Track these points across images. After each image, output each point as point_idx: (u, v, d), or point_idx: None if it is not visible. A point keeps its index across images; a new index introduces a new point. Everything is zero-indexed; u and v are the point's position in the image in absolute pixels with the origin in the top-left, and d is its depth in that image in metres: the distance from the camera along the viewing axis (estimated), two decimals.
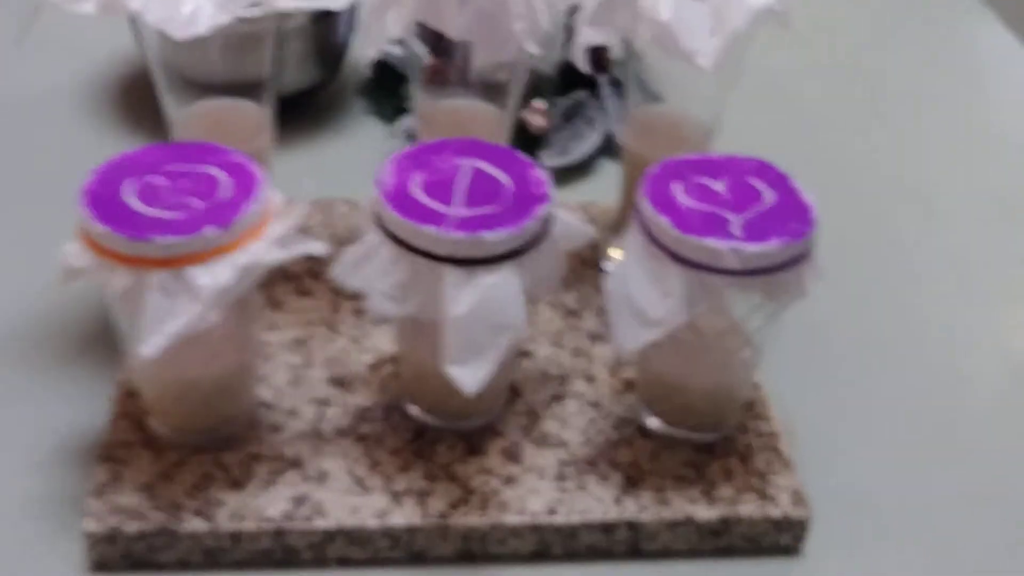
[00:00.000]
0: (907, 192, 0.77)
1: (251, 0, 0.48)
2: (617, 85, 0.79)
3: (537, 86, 0.76)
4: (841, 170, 0.79)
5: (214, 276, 0.42)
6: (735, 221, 0.46)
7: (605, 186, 0.74)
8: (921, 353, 0.62)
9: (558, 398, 0.55)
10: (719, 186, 0.48)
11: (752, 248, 0.44)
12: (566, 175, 0.74)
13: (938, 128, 0.86)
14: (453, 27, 0.50)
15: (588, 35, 0.54)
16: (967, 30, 1.03)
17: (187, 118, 0.56)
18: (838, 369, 0.61)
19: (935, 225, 0.74)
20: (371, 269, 0.46)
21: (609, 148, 0.77)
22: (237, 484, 0.48)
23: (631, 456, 0.51)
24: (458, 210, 0.45)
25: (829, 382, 0.60)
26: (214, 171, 0.45)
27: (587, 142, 0.74)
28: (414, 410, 0.52)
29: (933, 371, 0.61)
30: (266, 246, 0.44)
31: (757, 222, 0.46)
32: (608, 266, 0.64)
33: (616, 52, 0.73)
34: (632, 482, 0.50)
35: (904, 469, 0.55)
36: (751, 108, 0.81)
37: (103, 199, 0.44)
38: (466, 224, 0.44)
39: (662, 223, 0.45)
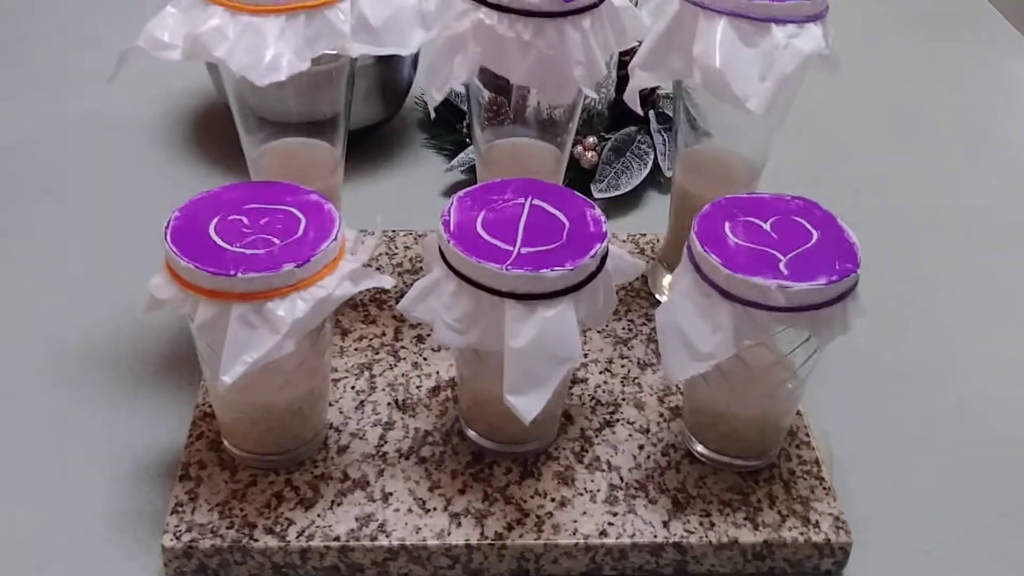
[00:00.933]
0: (946, 221, 0.79)
1: (327, 45, 0.51)
2: (666, 120, 0.81)
3: (588, 121, 0.79)
4: (880, 200, 0.81)
5: (291, 309, 0.45)
6: (782, 259, 0.48)
7: (653, 217, 0.76)
8: (961, 381, 0.64)
9: (609, 424, 0.57)
10: (767, 225, 0.50)
11: (798, 286, 0.46)
12: (616, 206, 0.77)
13: (976, 158, 0.88)
14: (516, 73, 0.53)
15: (641, 78, 0.57)
16: (1003, 59, 1.05)
17: (262, 156, 0.59)
18: (879, 397, 0.63)
19: (975, 254, 0.76)
20: (436, 302, 0.48)
21: (657, 181, 0.79)
22: (306, 503, 0.51)
23: (679, 481, 0.54)
24: (519, 248, 0.47)
25: (870, 409, 0.62)
26: (292, 210, 0.49)
27: (636, 175, 0.77)
28: (472, 434, 0.55)
29: (973, 398, 0.63)
30: (338, 281, 0.47)
31: (803, 260, 0.48)
32: (660, 297, 0.66)
33: (666, 89, 0.76)
34: (679, 506, 0.52)
35: (944, 495, 0.57)
36: (793, 141, 0.84)
37: (188, 235, 0.47)
38: (527, 261, 0.47)
39: (712, 261, 0.48)
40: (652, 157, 0.79)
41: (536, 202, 0.51)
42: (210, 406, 0.55)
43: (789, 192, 0.53)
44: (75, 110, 0.84)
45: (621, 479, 0.54)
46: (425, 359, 0.60)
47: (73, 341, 0.62)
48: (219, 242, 0.47)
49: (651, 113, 0.81)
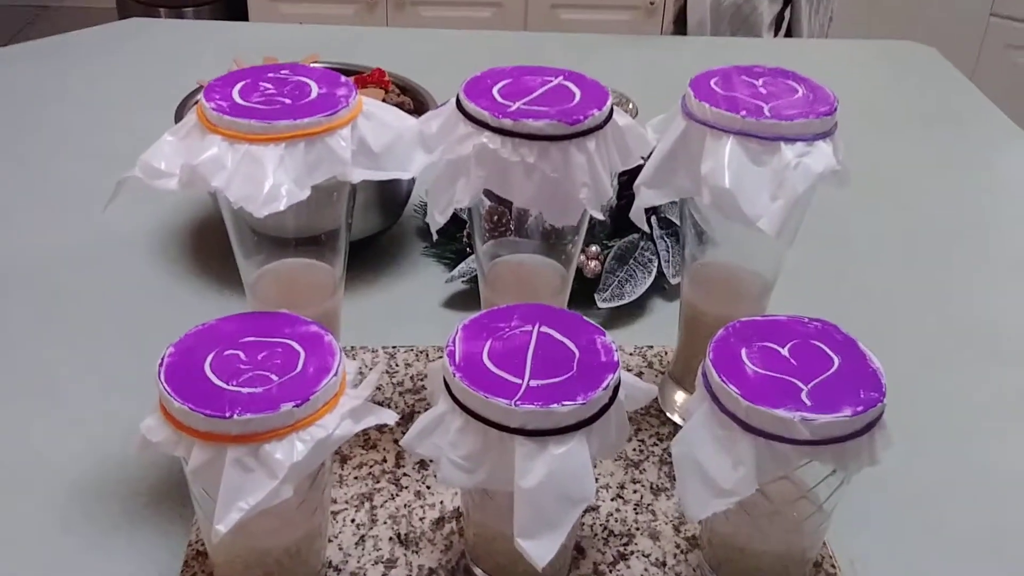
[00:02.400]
0: (966, 331, 0.77)
1: (328, 172, 0.50)
2: (668, 225, 0.80)
3: (590, 230, 0.77)
4: (895, 309, 0.79)
5: (289, 452, 0.43)
6: (804, 388, 0.46)
7: (659, 326, 0.74)
8: (994, 507, 0.61)
9: (624, 557, 0.54)
10: (785, 351, 0.48)
11: (823, 418, 0.44)
12: (621, 315, 0.75)
13: (990, 260, 0.86)
14: (521, 196, 0.51)
15: (648, 196, 0.56)
16: (1007, 157, 1.04)
17: (262, 280, 0.57)
18: (907, 523, 0.60)
19: (1002, 370, 0.73)
20: (441, 438, 0.46)
21: (661, 288, 0.78)
22: None
23: None
24: (528, 380, 0.45)
25: (898, 537, 0.59)
26: (291, 343, 0.47)
27: (640, 284, 0.75)
28: (479, 572, 0.52)
29: (1004, 520, 0.60)
30: (338, 420, 0.45)
31: (826, 390, 0.46)
32: (671, 415, 0.64)
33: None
34: None
35: None
36: (802, 250, 0.82)
37: (183, 373, 0.45)
38: (537, 396, 0.45)
39: (731, 391, 0.46)
40: (656, 264, 0.77)
41: (544, 330, 0.49)
42: (203, 544, 0.52)
43: (802, 306, 0.52)
44: (74, 227, 0.82)
45: None
46: (428, 487, 0.58)
47: (63, 472, 0.59)
48: (215, 380, 0.44)
49: (653, 219, 0.80)
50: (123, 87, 1.07)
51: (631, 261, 0.77)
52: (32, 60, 1.12)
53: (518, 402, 0.44)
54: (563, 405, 0.44)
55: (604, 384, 0.46)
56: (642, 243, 0.79)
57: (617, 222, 0.79)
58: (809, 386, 0.46)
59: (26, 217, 0.84)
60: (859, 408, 0.45)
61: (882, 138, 1.06)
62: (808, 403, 0.45)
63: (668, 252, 0.78)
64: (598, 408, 0.46)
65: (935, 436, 0.66)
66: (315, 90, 0.51)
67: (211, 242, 0.80)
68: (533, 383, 0.45)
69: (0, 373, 0.67)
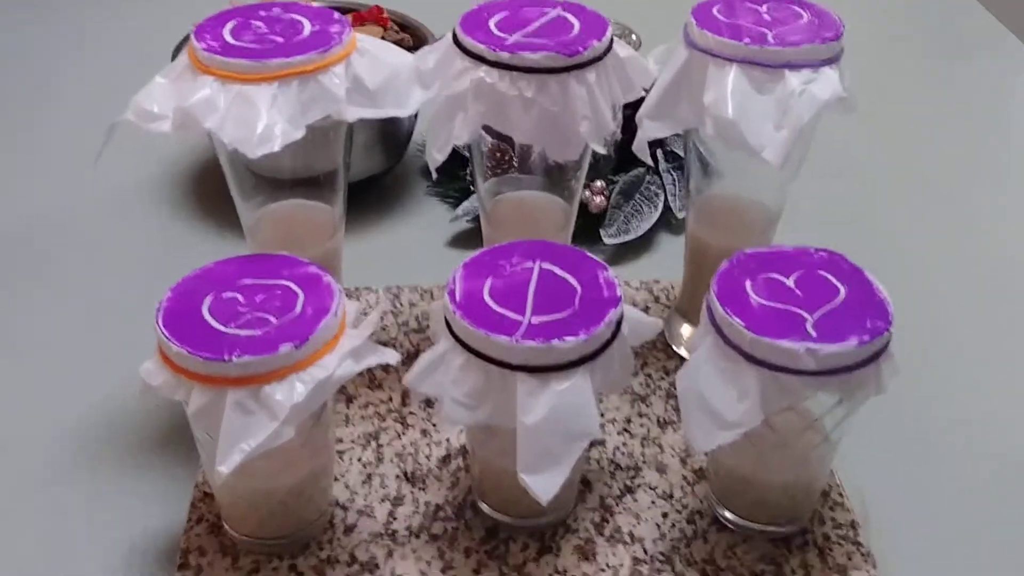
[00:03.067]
0: (979, 263, 0.76)
1: (322, 111, 0.49)
2: (675, 159, 0.79)
3: (595, 165, 0.76)
4: (905, 241, 0.78)
5: (289, 393, 0.43)
6: (809, 319, 0.45)
7: (666, 260, 0.74)
8: (1001, 441, 0.61)
9: (630, 490, 0.54)
10: (790, 281, 0.48)
11: (828, 348, 0.44)
12: (627, 251, 0.74)
13: (1007, 192, 0.85)
14: (520, 131, 0.51)
15: (650, 129, 0.55)
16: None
17: (260, 222, 0.57)
18: (916, 452, 0.60)
19: (1014, 304, 0.72)
20: (443, 376, 0.46)
21: (668, 222, 0.77)
22: None
23: (706, 552, 0.51)
24: (530, 317, 0.45)
25: (907, 466, 0.59)
26: (289, 284, 0.46)
27: (647, 219, 0.74)
28: (486, 508, 0.52)
29: (1014, 459, 0.60)
30: (339, 360, 0.44)
31: (832, 320, 0.45)
32: (678, 349, 0.63)
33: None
34: None
35: (985, 557, 0.54)
36: (810, 182, 0.81)
37: (181, 317, 0.45)
38: (538, 332, 0.44)
39: (735, 324, 0.45)
40: (662, 199, 0.76)
41: (545, 266, 0.48)
42: (209, 486, 0.52)
43: (808, 238, 0.51)
44: (71, 183, 0.82)
45: (645, 551, 0.51)
46: (434, 426, 0.58)
47: (69, 421, 0.60)
48: (213, 323, 0.44)
49: (659, 152, 0.79)
50: (116, 34, 1.06)
51: (637, 196, 0.76)
52: (19, 9, 1.10)
53: (519, 339, 0.44)
54: (564, 341, 0.44)
55: (606, 319, 0.45)
56: (648, 177, 0.78)
57: (622, 156, 0.78)
58: (815, 316, 0.45)
59: (25, 171, 0.84)
60: (865, 338, 0.44)
61: (893, 67, 1.03)
62: (813, 333, 0.44)
63: (675, 186, 0.77)
64: (600, 343, 0.45)
65: (945, 367, 0.66)
66: (308, 28, 0.50)
67: (211, 188, 0.79)
68: (534, 320, 0.45)
69: (4, 327, 0.67)
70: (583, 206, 0.74)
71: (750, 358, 0.45)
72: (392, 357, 0.47)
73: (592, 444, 0.56)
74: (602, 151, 0.52)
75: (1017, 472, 0.58)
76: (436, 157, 0.52)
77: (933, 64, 1.05)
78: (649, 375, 0.62)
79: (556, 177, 0.60)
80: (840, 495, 0.54)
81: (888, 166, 0.88)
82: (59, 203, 0.79)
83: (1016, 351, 0.68)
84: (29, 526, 0.54)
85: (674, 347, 0.64)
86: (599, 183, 0.75)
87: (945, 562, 0.53)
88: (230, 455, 0.43)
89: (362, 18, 0.77)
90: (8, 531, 0.53)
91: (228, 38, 0.48)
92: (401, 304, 0.67)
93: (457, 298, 0.46)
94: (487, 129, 0.57)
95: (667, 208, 0.76)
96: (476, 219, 0.75)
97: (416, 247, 0.75)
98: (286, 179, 0.58)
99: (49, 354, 0.65)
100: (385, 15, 0.79)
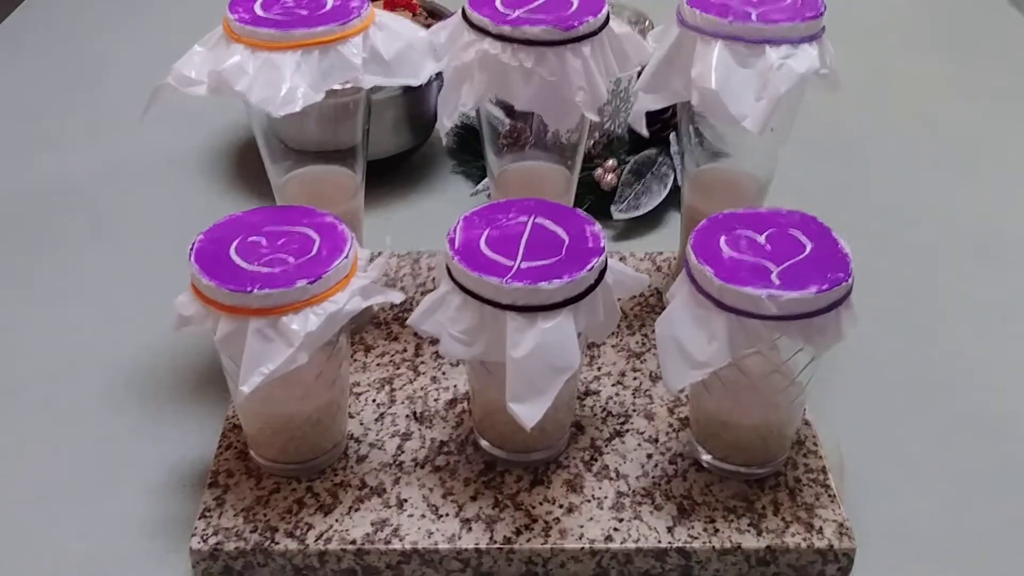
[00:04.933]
0: (960, 233, 0.79)
1: (340, 77, 0.55)
2: (679, 138, 0.83)
3: (609, 145, 0.81)
4: (899, 214, 0.81)
5: (304, 323, 0.48)
6: (774, 270, 0.50)
7: (672, 236, 0.78)
8: (973, 390, 0.65)
9: (619, 434, 0.59)
10: (762, 238, 0.52)
11: (788, 295, 0.48)
12: (637, 226, 0.79)
13: (993, 171, 0.88)
14: (520, 99, 0.56)
15: (644, 101, 0.59)
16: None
17: (287, 183, 0.62)
18: (890, 406, 0.63)
19: (990, 265, 0.76)
20: (442, 315, 0.51)
21: (678, 201, 0.81)
22: (325, 509, 0.54)
23: (685, 489, 0.55)
24: (520, 263, 0.50)
25: (881, 418, 0.63)
26: (308, 231, 0.52)
27: (656, 196, 0.79)
28: (485, 444, 0.57)
29: (980, 407, 0.63)
30: (348, 296, 0.50)
31: (795, 271, 0.50)
32: None
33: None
34: (685, 512, 0.54)
35: (949, 503, 0.57)
36: (813, 159, 0.85)
37: (211, 256, 0.50)
38: (526, 275, 0.49)
39: (706, 272, 0.49)
40: (672, 178, 0.81)
41: (538, 220, 0.53)
42: (238, 418, 0.58)
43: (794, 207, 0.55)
44: (123, 149, 0.89)
45: (628, 487, 0.55)
46: (443, 373, 0.63)
47: (116, 363, 0.66)
48: (238, 262, 0.50)
49: (672, 136, 0.83)
50: (165, 16, 1.13)
51: (648, 175, 0.81)
52: None
53: (509, 280, 0.49)
54: (550, 283, 0.49)
55: (589, 266, 0.50)
56: (660, 158, 0.82)
57: (635, 137, 0.82)
58: (780, 268, 0.50)
59: (80, 137, 0.91)
60: (824, 287, 0.49)
61: (906, 54, 1.07)
62: (777, 282, 0.49)
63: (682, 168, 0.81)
64: (584, 288, 0.50)
65: (923, 327, 0.70)
66: (330, 2, 0.56)
67: (249, 161, 0.86)
68: (524, 265, 0.50)
69: (56, 278, 0.74)
70: (595, 183, 0.79)
71: (719, 304, 0.49)
72: (396, 297, 0.52)
73: (587, 393, 0.61)
74: (595, 119, 0.57)
75: (987, 424, 0.62)
76: (445, 123, 0.57)
77: (949, 53, 1.08)
78: (646, 335, 0.66)
79: (560, 152, 0.65)
80: (815, 444, 0.58)
81: (890, 147, 0.91)
82: (113, 164, 0.87)
83: (994, 310, 0.72)
84: (81, 450, 0.60)
85: None
86: (611, 161, 0.79)
87: (913, 505, 0.57)
88: (251, 377, 0.48)
89: (393, 4, 0.83)
90: (62, 454, 0.60)
91: (258, 10, 0.54)
92: (420, 267, 0.72)
93: (456, 245, 0.51)
94: (500, 106, 0.63)
95: (676, 187, 0.81)
96: (490, 190, 0.80)
97: (438, 219, 0.79)
98: (312, 151, 0.63)
99: (100, 298, 0.72)
100: (414, 1, 0.84)
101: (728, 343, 0.49)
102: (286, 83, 0.52)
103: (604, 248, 0.51)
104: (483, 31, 0.55)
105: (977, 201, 0.84)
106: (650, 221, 0.80)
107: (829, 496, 0.55)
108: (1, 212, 0.81)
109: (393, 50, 0.56)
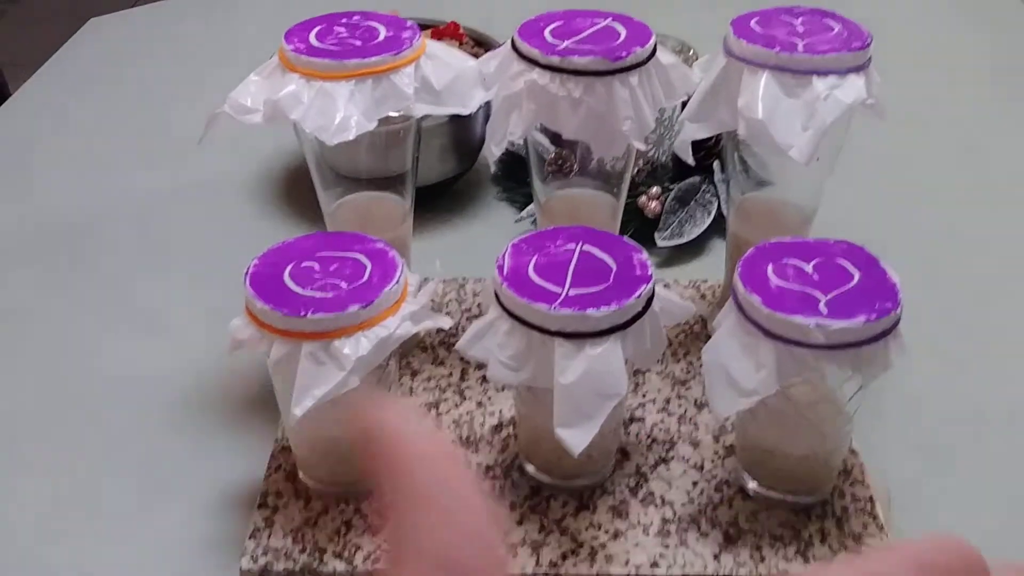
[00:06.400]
0: (1010, 264, 0.79)
1: (392, 107, 0.56)
2: (725, 167, 0.83)
3: (653, 172, 0.82)
4: (948, 246, 0.81)
5: (355, 347, 0.49)
6: (822, 299, 0.50)
7: (716, 264, 0.78)
8: (1017, 421, 0.64)
9: (664, 461, 0.59)
10: (809, 267, 0.52)
11: (837, 324, 0.48)
12: (681, 254, 0.79)
13: None
14: (568, 128, 0.56)
15: (691, 130, 0.60)
16: None
17: (338, 209, 0.64)
18: (938, 438, 0.63)
19: None
20: (490, 341, 0.52)
21: (722, 229, 0.82)
22: (373, 531, 0.55)
23: (731, 516, 0.55)
24: (568, 289, 0.51)
25: (929, 450, 0.62)
26: (359, 257, 0.53)
27: (700, 224, 0.79)
28: (531, 469, 0.58)
29: None
30: (399, 321, 0.50)
31: (843, 300, 0.50)
32: None
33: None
34: (731, 540, 0.54)
35: (996, 536, 0.57)
36: (860, 189, 0.85)
37: (265, 280, 0.51)
38: (574, 302, 0.50)
39: (754, 301, 0.50)
40: (716, 206, 0.81)
41: (586, 248, 0.54)
42: (287, 441, 0.59)
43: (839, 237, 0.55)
44: (178, 174, 0.91)
45: (674, 513, 0.56)
46: (489, 398, 0.63)
47: (170, 385, 0.67)
48: (292, 286, 0.51)
49: (716, 164, 0.84)
50: (221, 44, 1.16)
51: (692, 202, 0.81)
52: (142, 23, 1.22)
53: (557, 307, 0.49)
54: (599, 310, 0.49)
55: (638, 293, 0.51)
56: (704, 186, 0.82)
57: (679, 165, 0.83)
58: (828, 297, 0.50)
59: (136, 162, 0.93)
60: (873, 316, 0.49)
61: (954, 82, 1.06)
62: (825, 311, 0.49)
63: (726, 191, 0.82)
64: (631, 315, 0.50)
65: (972, 359, 0.69)
66: (383, 33, 0.57)
67: (300, 187, 0.87)
68: (572, 292, 0.50)
69: (111, 302, 0.76)
70: (639, 211, 0.79)
71: (767, 332, 0.49)
72: (445, 322, 0.53)
73: (632, 420, 0.62)
74: (642, 147, 0.58)
75: None
76: (494, 151, 0.58)
77: (995, 84, 1.07)
78: (691, 362, 0.66)
79: (606, 179, 0.66)
80: (862, 473, 0.58)
81: (938, 178, 0.91)
82: (167, 188, 0.89)
83: None
84: (134, 470, 0.61)
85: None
86: (655, 189, 0.80)
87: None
88: (303, 400, 0.49)
89: (440, 34, 0.85)
90: (115, 474, 0.61)
91: (313, 41, 0.56)
92: (465, 293, 0.73)
93: (505, 272, 0.52)
94: (546, 134, 0.64)
95: (720, 215, 0.81)
96: (536, 217, 0.81)
97: (482, 245, 0.81)
98: (363, 178, 0.65)
99: (155, 320, 0.73)
100: (461, 31, 0.86)
101: (776, 371, 0.49)
102: (340, 112, 0.53)
103: (652, 276, 0.52)
104: (532, 61, 0.56)
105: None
106: (694, 249, 0.80)
107: (877, 526, 0.55)
108: (57, 234, 0.83)
109: (444, 80, 0.57)
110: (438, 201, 0.84)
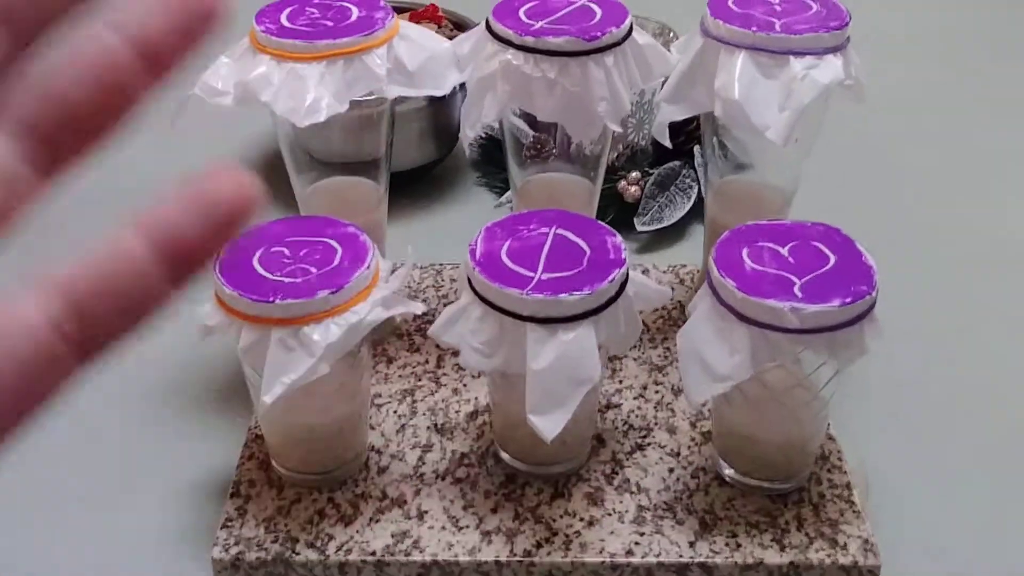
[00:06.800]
0: (989, 246, 0.78)
1: (364, 88, 0.55)
2: (703, 149, 0.83)
3: (632, 157, 0.81)
4: (926, 228, 0.81)
5: (325, 334, 0.48)
6: (797, 283, 0.49)
7: (696, 249, 0.78)
8: (997, 406, 0.64)
9: (640, 448, 0.58)
10: (784, 250, 0.52)
11: (812, 308, 0.48)
12: (660, 239, 0.79)
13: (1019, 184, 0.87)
14: (543, 110, 0.56)
15: (667, 112, 0.59)
16: None
17: (311, 194, 0.63)
18: (916, 423, 0.63)
19: (1017, 280, 0.75)
20: (463, 327, 0.51)
21: (701, 214, 0.81)
22: (346, 520, 0.54)
23: (707, 503, 0.55)
24: (541, 274, 0.50)
25: (907, 435, 0.62)
26: (330, 242, 0.52)
27: (679, 209, 0.79)
28: (506, 456, 0.57)
29: (1008, 423, 0.62)
30: (370, 307, 0.50)
31: (819, 283, 0.49)
32: None
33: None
34: (707, 527, 0.53)
35: (975, 520, 0.57)
36: (839, 171, 0.84)
37: (234, 266, 0.51)
38: (547, 287, 0.49)
39: (728, 285, 0.49)
40: (696, 191, 0.80)
41: (559, 231, 0.53)
42: (260, 429, 0.58)
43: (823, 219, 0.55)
44: (146, 158, 0.89)
45: (650, 500, 0.55)
46: (465, 385, 0.63)
47: (139, 372, 0.66)
48: (261, 272, 0.50)
49: (696, 149, 0.83)
50: None
51: (672, 188, 0.81)
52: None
53: (530, 292, 0.49)
54: (571, 295, 0.49)
55: (611, 278, 0.50)
56: (684, 171, 0.82)
57: (659, 149, 0.82)
58: (803, 280, 0.49)
59: (108, 149, 0.92)
60: (848, 300, 0.48)
61: (934, 63, 1.06)
62: (800, 295, 0.48)
63: (706, 180, 0.81)
64: (604, 300, 0.50)
65: (949, 342, 0.69)
66: (355, 13, 0.56)
67: (274, 171, 0.86)
68: (544, 276, 0.50)
69: None
70: (619, 195, 0.79)
71: (741, 316, 0.49)
72: (417, 308, 0.52)
73: (608, 407, 0.61)
74: (618, 129, 0.57)
75: (1013, 443, 0.61)
76: (468, 134, 0.57)
77: (987, 66, 1.07)
78: (668, 348, 0.66)
79: (583, 163, 0.65)
80: (839, 459, 0.57)
81: (920, 160, 0.90)
82: (135, 172, 0.87)
83: (1020, 322, 0.70)
84: (104, 460, 0.60)
85: None
86: (635, 174, 0.79)
87: (939, 523, 0.56)
88: (273, 387, 0.48)
89: (419, 16, 0.84)
90: (84, 462, 0.60)
91: (284, 22, 0.55)
92: (443, 279, 0.72)
93: (477, 256, 0.51)
94: (524, 117, 0.63)
95: (700, 200, 0.80)
96: (513, 201, 0.80)
97: (461, 231, 0.79)
98: (337, 162, 0.64)
99: None
100: (440, 13, 0.85)
101: (750, 356, 0.49)
102: (310, 94, 0.52)
103: (625, 260, 0.51)
104: (506, 42, 0.55)
105: (1006, 214, 0.83)
106: (674, 233, 0.79)
107: (854, 512, 0.54)
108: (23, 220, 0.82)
109: (417, 61, 0.56)
110: (416, 186, 0.83)
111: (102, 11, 0.17)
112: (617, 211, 0.78)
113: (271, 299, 0.48)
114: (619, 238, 0.53)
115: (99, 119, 0.18)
